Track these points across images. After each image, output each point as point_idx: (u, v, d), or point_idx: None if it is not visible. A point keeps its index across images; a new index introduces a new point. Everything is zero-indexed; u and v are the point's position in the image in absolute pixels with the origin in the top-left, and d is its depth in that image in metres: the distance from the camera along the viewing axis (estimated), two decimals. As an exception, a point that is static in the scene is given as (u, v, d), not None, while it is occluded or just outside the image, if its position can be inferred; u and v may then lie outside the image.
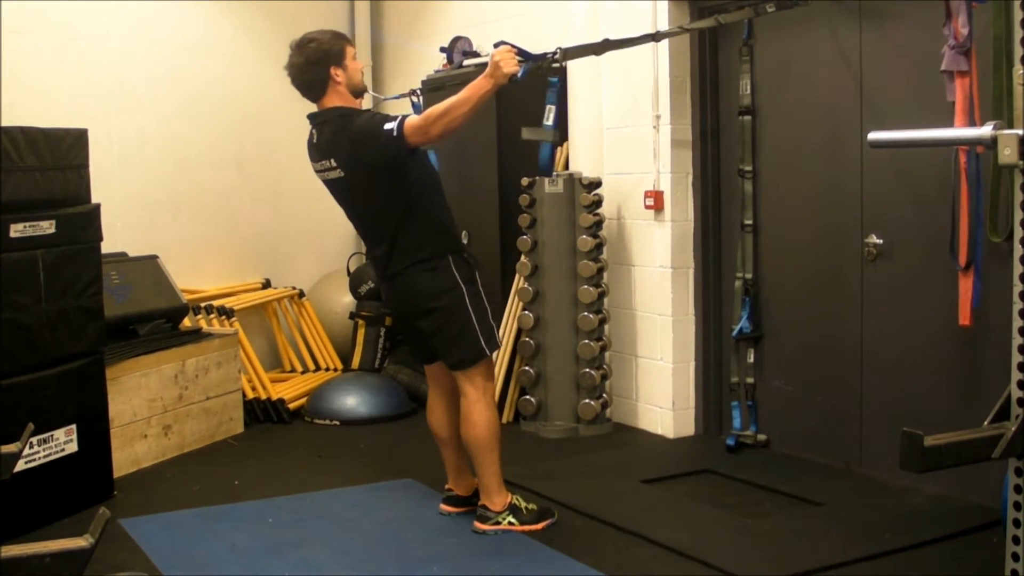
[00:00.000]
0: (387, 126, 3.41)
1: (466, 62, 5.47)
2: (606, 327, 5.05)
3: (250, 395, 5.47)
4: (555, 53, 3.70)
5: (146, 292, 5.05)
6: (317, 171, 3.67)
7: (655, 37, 4.15)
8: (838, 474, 4.22)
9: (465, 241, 5.42)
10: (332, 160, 3.56)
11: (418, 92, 4.45)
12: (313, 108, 3.69)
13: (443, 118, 3.36)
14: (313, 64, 3.56)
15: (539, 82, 4.20)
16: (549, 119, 3.61)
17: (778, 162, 4.54)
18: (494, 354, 3.72)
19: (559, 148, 5.33)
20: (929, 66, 3.63)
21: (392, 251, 3.59)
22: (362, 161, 3.50)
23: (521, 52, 3.46)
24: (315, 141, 3.64)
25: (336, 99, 3.59)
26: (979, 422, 2.15)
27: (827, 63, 4.25)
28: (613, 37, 4.22)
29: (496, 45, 3.43)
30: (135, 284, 5.01)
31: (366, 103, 4.13)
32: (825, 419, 4.38)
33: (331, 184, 3.64)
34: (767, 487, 4.10)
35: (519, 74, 3.40)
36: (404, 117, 3.43)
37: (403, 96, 4.43)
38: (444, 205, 3.68)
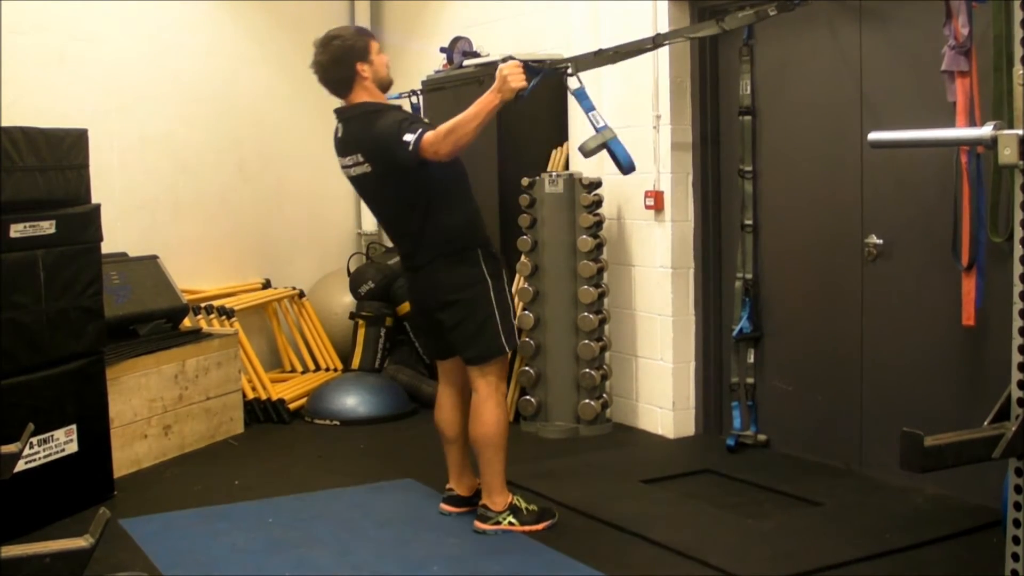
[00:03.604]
0: (406, 137, 3.39)
1: (466, 62, 5.47)
2: (606, 327, 5.05)
3: (250, 395, 5.47)
4: (565, 69, 3.68)
5: (146, 292, 5.05)
6: (343, 167, 3.68)
7: (655, 41, 4.12)
8: (838, 474, 4.22)
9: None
10: (359, 155, 3.57)
11: (417, 92, 4.43)
12: (337, 102, 3.68)
13: (451, 136, 3.34)
14: (338, 61, 3.57)
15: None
16: (599, 121, 3.52)
17: (778, 162, 4.54)
18: (511, 354, 3.70)
19: (560, 148, 5.34)
20: (929, 66, 3.62)
21: (418, 244, 3.61)
22: (384, 159, 3.51)
23: (528, 67, 3.44)
24: (340, 136, 3.66)
25: (363, 94, 3.60)
26: (979, 422, 2.15)
27: (827, 63, 4.25)
28: (612, 42, 4.19)
29: (504, 60, 3.41)
30: (135, 284, 5.01)
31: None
32: (825, 419, 4.38)
33: (356, 180, 3.66)
34: (767, 487, 4.10)
35: (526, 90, 3.39)
36: (424, 132, 3.39)
37: (402, 96, 4.42)
38: (471, 199, 3.70)
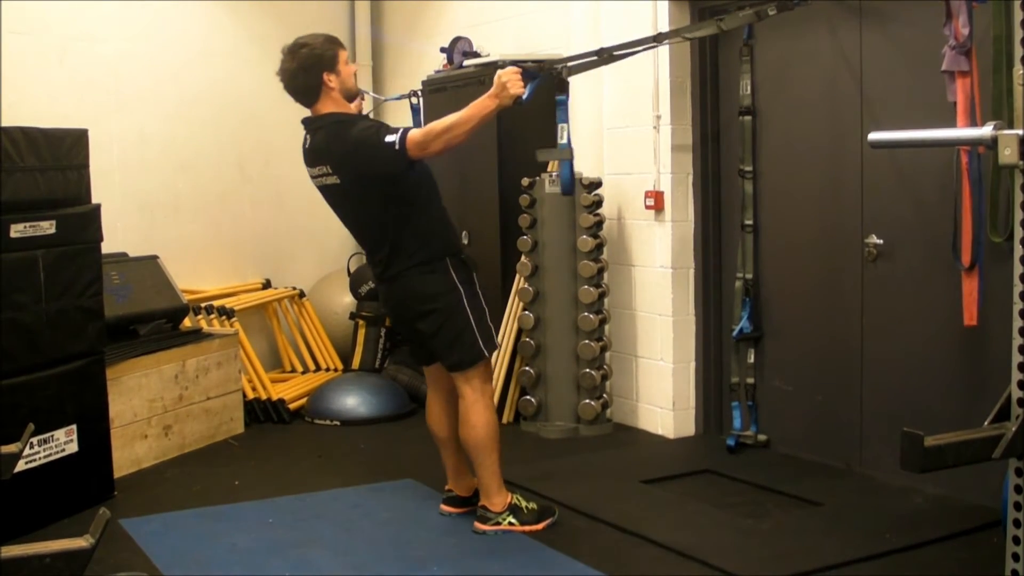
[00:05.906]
0: (388, 139, 3.38)
1: (466, 62, 5.47)
2: (606, 327, 5.05)
3: (250, 395, 5.47)
4: (560, 71, 3.65)
5: (146, 292, 5.05)
6: (312, 176, 3.65)
7: (657, 39, 4.11)
8: (838, 474, 4.22)
9: (465, 242, 5.44)
10: (327, 166, 3.54)
11: (418, 93, 4.46)
12: (306, 112, 3.66)
13: (444, 135, 3.35)
14: (306, 70, 3.51)
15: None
16: (563, 137, 3.55)
17: (778, 162, 4.54)
18: (492, 356, 3.72)
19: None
20: (929, 66, 3.62)
21: (391, 255, 3.59)
22: (358, 170, 3.49)
23: (526, 72, 3.42)
24: (308, 146, 3.62)
25: (330, 104, 3.56)
26: (979, 422, 2.15)
27: (827, 63, 4.25)
28: (612, 42, 4.16)
29: (500, 66, 3.39)
30: (135, 284, 5.01)
31: (366, 105, 4.12)
32: (825, 419, 4.38)
33: (326, 190, 3.63)
34: (767, 487, 4.10)
35: (524, 96, 3.37)
36: (406, 131, 3.40)
37: (403, 97, 4.41)
38: (441, 208, 3.67)
